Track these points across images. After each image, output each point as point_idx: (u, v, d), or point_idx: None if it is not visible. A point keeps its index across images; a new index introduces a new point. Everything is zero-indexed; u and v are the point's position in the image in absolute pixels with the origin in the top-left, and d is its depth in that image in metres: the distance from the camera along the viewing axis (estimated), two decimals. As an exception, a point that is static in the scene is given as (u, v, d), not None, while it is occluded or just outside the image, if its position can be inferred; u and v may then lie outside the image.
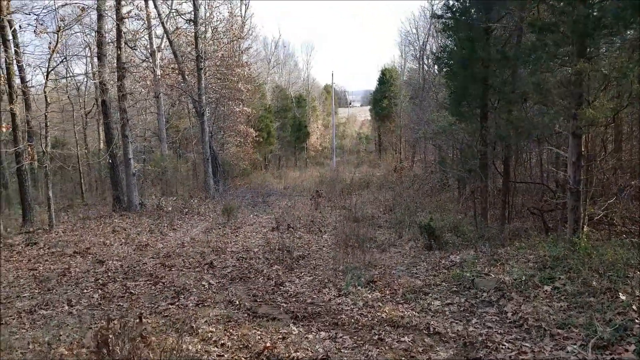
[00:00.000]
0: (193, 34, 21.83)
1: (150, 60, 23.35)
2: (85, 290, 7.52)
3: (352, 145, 53.39)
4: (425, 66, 29.54)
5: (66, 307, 6.65)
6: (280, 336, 5.11)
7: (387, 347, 4.71)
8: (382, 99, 40.23)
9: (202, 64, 21.51)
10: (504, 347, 4.47)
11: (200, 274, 8.40)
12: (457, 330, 5.02)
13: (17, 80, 14.68)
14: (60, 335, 5.36)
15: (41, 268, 9.10)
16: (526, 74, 9.18)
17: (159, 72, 22.77)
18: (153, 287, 7.60)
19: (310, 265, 8.94)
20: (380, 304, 6.06)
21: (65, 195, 23.30)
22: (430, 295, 6.38)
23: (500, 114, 10.97)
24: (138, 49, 23.23)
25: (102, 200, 21.50)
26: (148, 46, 23.89)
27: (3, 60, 15.02)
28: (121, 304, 6.77)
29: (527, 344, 4.45)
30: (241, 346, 4.83)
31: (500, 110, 11.09)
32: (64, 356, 4.65)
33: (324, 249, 10.47)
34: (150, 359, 3.12)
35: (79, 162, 24.32)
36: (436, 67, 22.83)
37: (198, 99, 21.41)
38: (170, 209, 16.48)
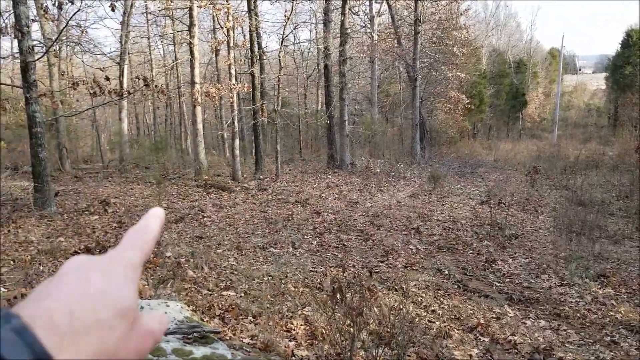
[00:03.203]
0: (413, -3, 21.61)
1: (369, 25, 23.99)
2: (305, 236, 8.30)
3: (578, 117, 47.19)
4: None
5: (290, 249, 7.44)
6: (494, 315, 4.90)
7: (622, 352, 4.13)
8: (624, 65, 34.40)
9: (420, 27, 21.22)
10: None
11: (407, 238, 8.53)
12: None
13: (255, 47, 16.62)
14: (287, 272, 6.04)
15: (270, 212, 10.35)
16: None
17: (375, 37, 23.28)
18: (363, 243, 8.00)
19: (525, 246, 8.32)
20: (613, 303, 5.33)
21: (287, 150, 25.89)
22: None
23: None
24: (359, 15, 24.00)
25: (316, 157, 23.33)
26: (367, 12, 24.54)
27: (247, 28, 17.09)
28: (336, 253, 7.30)
29: None
30: (452, 317, 4.78)
31: None
32: (291, 291, 5.24)
33: (541, 230, 9.63)
34: (375, 312, 3.30)
35: (299, 121, 26.69)
36: None
37: (412, 64, 21.31)
38: (378, 170, 17.04)
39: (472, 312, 4.96)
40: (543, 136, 37.67)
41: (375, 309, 3.45)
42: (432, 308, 4.99)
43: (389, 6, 22.52)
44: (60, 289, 0.38)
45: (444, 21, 24.83)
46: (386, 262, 6.90)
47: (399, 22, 23.39)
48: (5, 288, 4.75)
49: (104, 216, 9.45)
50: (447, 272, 6.50)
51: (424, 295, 5.42)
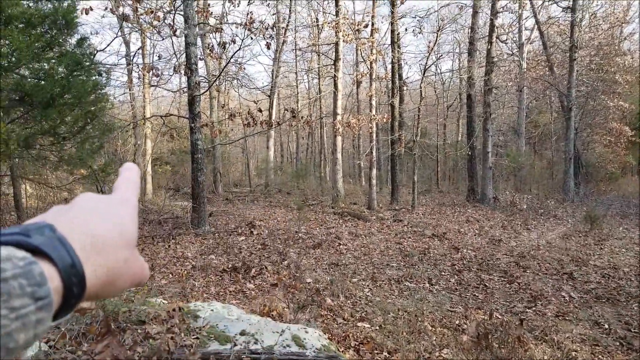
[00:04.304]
0: (567, 22, 20.16)
1: (517, 53, 22.86)
2: (442, 273, 8.00)
3: None
4: None
5: (427, 285, 7.21)
6: (669, 384, 4.19)
7: None
8: None
9: (576, 54, 19.64)
10: None
11: (559, 283, 7.75)
12: None
13: (396, 78, 16.78)
14: (424, 309, 5.84)
15: (405, 244, 10.19)
16: None
17: (525, 64, 22.08)
18: (507, 286, 7.45)
19: None
20: None
21: (423, 181, 25.44)
22: None
23: None
24: (507, 43, 23.04)
25: (455, 189, 22.57)
26: (516, 39, 23.44)
27: (389, 60, 17.38)
28: (476, 294, 6.89)
29: None
30: (615, 380, 4.18)
31: None
32: (427, 330, 5.04)
33: None
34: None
35: (437, 151, 26.15)
36: None
37: (566, 93, 19.72)
38: (524, 207, 15.89)
39: (639, 376, 4.30)
40: None
41: (524, 361, 3.16)
42: (590, 366, 4.43)
43: (541, 33, 21.24)
44: (82, 215, 0.46)
45: (604, 47, 22.71)
46: (534, 308, 6.32)
47: (552, 49, 21.92)
48: (165, 300, 5.29)
49: (249, 237, 10.13)
50: (607, 326, 5.74)
51: (578, 349, 4.84)
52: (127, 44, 18.59)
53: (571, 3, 19.77)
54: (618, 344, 5.27)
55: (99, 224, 0.45)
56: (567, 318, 5.99)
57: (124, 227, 0.47)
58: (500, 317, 3.96)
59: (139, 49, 17.91)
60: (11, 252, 0.37)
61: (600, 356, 4.77)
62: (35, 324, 0.36)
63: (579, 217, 14.39)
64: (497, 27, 17.71)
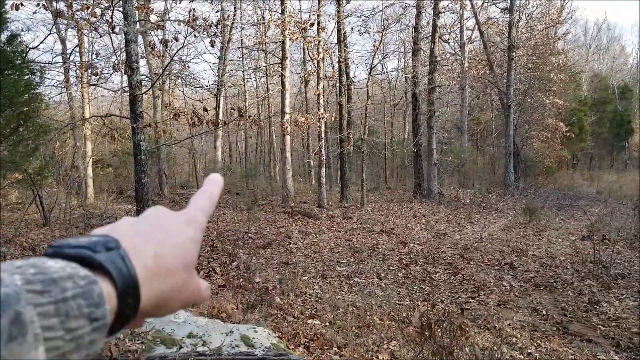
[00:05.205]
0: (505, 22, 21.04)
1: (459, 52, 23.63)
2: (391, 267, 8.15)
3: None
4: None
5: (376, 280, 7.33)
6: (600, 363, 4.46)
7: None
8: None
9: (514, 53, 20.51)
10: None
11: (500, 273, 8.08)
12: None
13: (344, 77, 16.94)
14: (372, 304, 5.93)
15: (355, 240, 10.32)
16: None
17: (466, 64, 22.84)
18: (452, 277, 7.69)
19: (634, 287, 7.54)
20: None
21: (372, 178, 25.82)
22: None
23: None
24: (449, 43, 23.75)
25: (402, 186, 23.06)
26: (458, 39, 24.21)
27: (336, 59, 17.52)
28: (423, 287, 7.08)
29: None
30: (551, 362, 4.41)
31: None
32: (376, 324, 5.13)
33: (654, 271, 8.69)
34: (467, 352, 3.13)
35: (385, 149, 26.60)
36: None
37: (506, 91, 20.57)
38: (467, 201, 16.45)
39: (573, 357, 4.55)
40: (654, 166, 34.36)
41: (466, 348, 3.27)
42: (529, 350, 4.64)
43: (481, 33, 22.05)
44: (147, 232, 0.45)
45: (540, 46, 23.82)
46: (477, 298, 6.56)
47: (492, 49, 22.77)
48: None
49: (197, 239, 9.93)
50: (544, 313, 6.04)
51: (519, 336, 5.07)
52: (62, 41, 17.74)
53: (509, 4, 20.65)
54: (555, 329, 5.55)
55: (163, 244, 0.44)
56: (507, 306, 6.25)
57: (187, 249, 0.46)
58: (443, 307, 4.07)
59: (75, 47, 17.15)
60: (75, 271, 0.36)
61: (538, 341, 5.01)
62: (88, 345, 0.35)
63: (519, 209, 15.05)
64: (439, 27, 18.21)
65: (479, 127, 28.59)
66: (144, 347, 3.58)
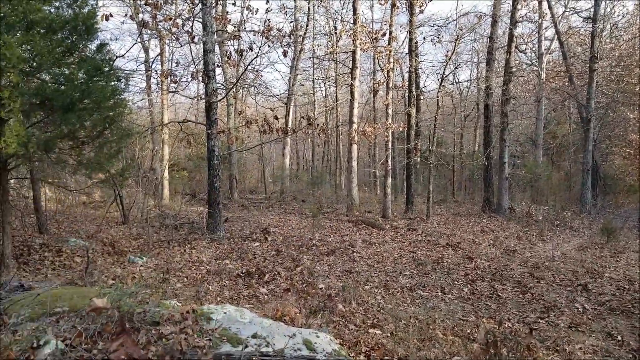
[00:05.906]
0: (588, 32, 20.01)
1: (536, 63, 22.72)
2: (455, 282, 7.96)
3: None
4: None
5: (439, 293, 7.20)
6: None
7: None
8: None
9: (596, 64, 19.44)
10: None
11: (573, 295, 7.66)
12: None
13: (413, 87, 16.81)
14: (435, 318, 5.84)
15: (419, 252, 10.17)
16: None
17: (544, 75, 21.92)
18: (521, 296, 7.39)
19: None
20: None
21: (439, 190, 25.32)
22: None
23: None
24: (526, 53, 22.92)
25: (470, 199, 22.42)
26: (535, 49, 23.30)
27: (406, 69, 17.43)
28: (489, 304, 6.86)
29: None
30: (628, 392, 4.14)
31: None
32: (439, 338, 5.04)
33: None
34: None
35: (453, 161, 26.02)
36: None
37: (586, 104, 19.51)
38: (540, 218, 15.72)
39: (653, 391, 4.24)
40: None
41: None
42: (602, 379, 4.39)
43: (561, 43, 21.08)
44: None
45: (625, 57, 22.43)
46: (546, 319, 6.27)
47: (572, 60, 21.71)
48: (179, 302, 5.38)
49: (264, 243, 10.21)
50: (620, 338, 5.67)
51: (592, 362, 4.80)
52: (146, 50, 18.92)
53: (592, 13, 19.62)
54: (630, 356, 5.21)
55: None
56: (579, 329, 5.93)
57: None
58: (510, 326, 3.95)
59: (157, 56, 18.22)
60: None
61: (614, 369, 4.72)
62: None
63: (596, 229, 14.21)
64: (516, 37, 17.63)
65: (554, 141, 27.26)
66: (211, 343, 3.75)
